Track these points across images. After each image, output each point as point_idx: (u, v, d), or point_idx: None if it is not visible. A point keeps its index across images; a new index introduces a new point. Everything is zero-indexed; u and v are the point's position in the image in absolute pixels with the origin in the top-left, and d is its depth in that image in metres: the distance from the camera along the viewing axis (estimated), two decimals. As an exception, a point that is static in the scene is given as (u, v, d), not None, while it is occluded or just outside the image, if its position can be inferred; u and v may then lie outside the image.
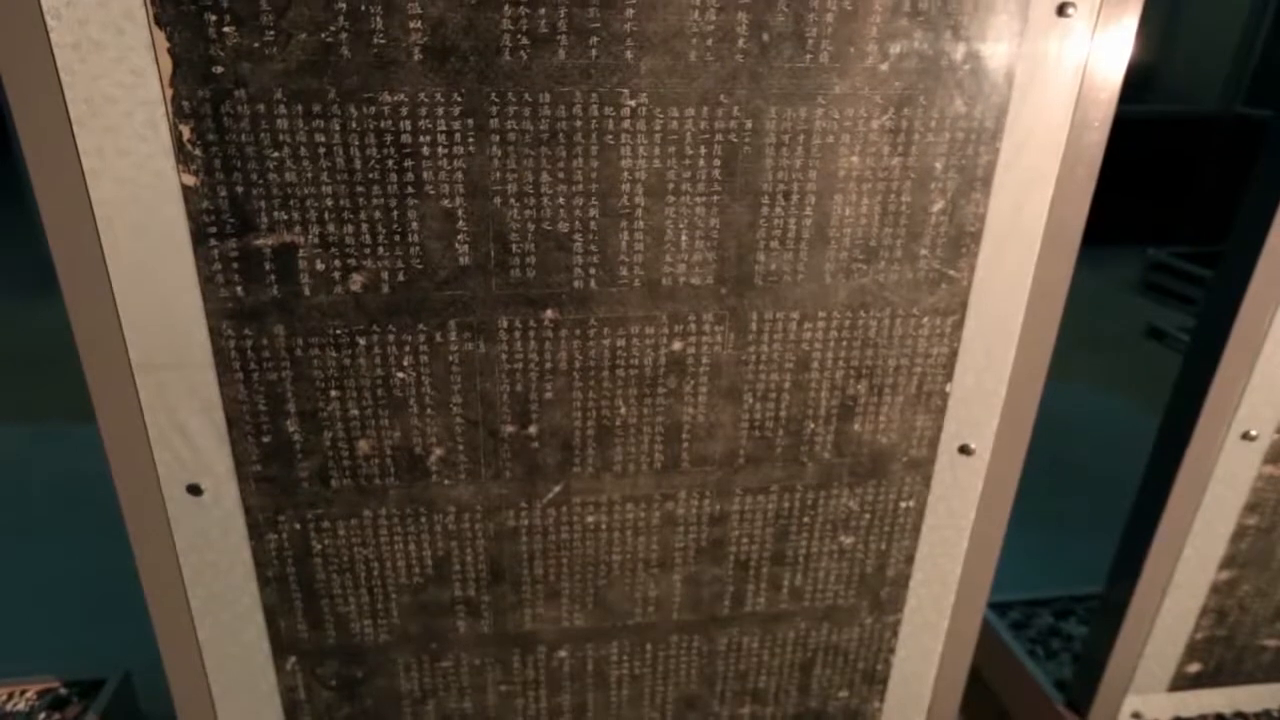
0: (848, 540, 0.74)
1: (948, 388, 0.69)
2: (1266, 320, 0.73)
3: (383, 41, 0.52)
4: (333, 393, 0.61)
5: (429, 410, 0.63)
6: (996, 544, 0.78)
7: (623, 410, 0.65)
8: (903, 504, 0.74)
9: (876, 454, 0.71)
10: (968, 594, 0.79)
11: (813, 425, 0.68)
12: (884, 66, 0.57)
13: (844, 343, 0.65)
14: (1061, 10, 0.57)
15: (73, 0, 0.48)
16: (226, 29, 0.50)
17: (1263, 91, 3.76)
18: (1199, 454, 0.79)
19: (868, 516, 0.74)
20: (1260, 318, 0.73)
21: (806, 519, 0.73)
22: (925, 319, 0.66)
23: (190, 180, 0.54)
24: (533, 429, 0.65)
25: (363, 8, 0.51)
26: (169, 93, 0.51)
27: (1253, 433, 0.79)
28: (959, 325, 0.67)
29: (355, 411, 0.62)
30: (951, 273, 0.64)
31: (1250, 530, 0.85)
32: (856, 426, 0.69)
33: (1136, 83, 3.96)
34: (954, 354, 0.68)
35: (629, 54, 0.54)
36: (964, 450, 0.72)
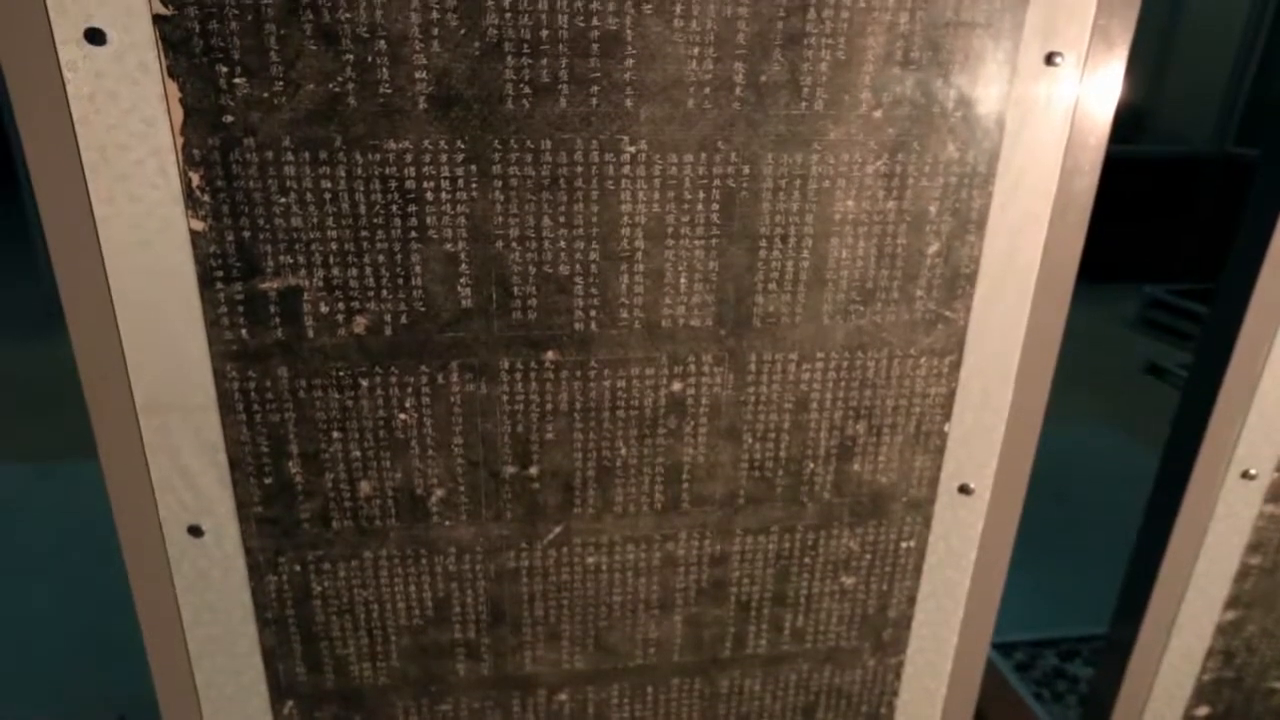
0: (849, 581, 0.74)
1: (946, 427, 0.69)
2: (1261, 359, 0.74)
3: (389, 91, 0.53)
4: (335, 434, 0.61)
5: (430, 451, 0.63)
6: (999, 584, 0.77)
7: (623, 451, 0.65)
8: (903, 544, 0.73)
9: (876, 494, 0.71)
10: (971, 635, 0.79)
11: (812, 465, 0.69)
12: (877, 113, 0.58)
13: (842, 383, 0.66)
14: (1049, 59, 0.59)
15: (90, 53, 0.50)
16: (237, 80, 0.52)
17: (1251, 132, 3.81)
18: (1199, 493, 0.79)
19: (868, 557, 0.73)
20: (1255, 356, 0.74)
21: (807, 559, 0.73)
22: (923, 359, 0.66)
23: (198, 225, 0.55)
24: (533, 470, 0.65)
25: (370, 59, 0.52)
26: (180, 141, 0.53)
27: (1252, 471, 0.79)
28: (956, 365, 0.67)
29: (357, 452, 0.62)
30: (948, 314, 0.65)
31: (1254, 570, 0.85)
32: (856, 466, 0.69)
33: (1129, 124, 4.03)
34: (952, 394, 0.68)
35: (629, 102, 0.56)
36: (964, 490, 0.72)
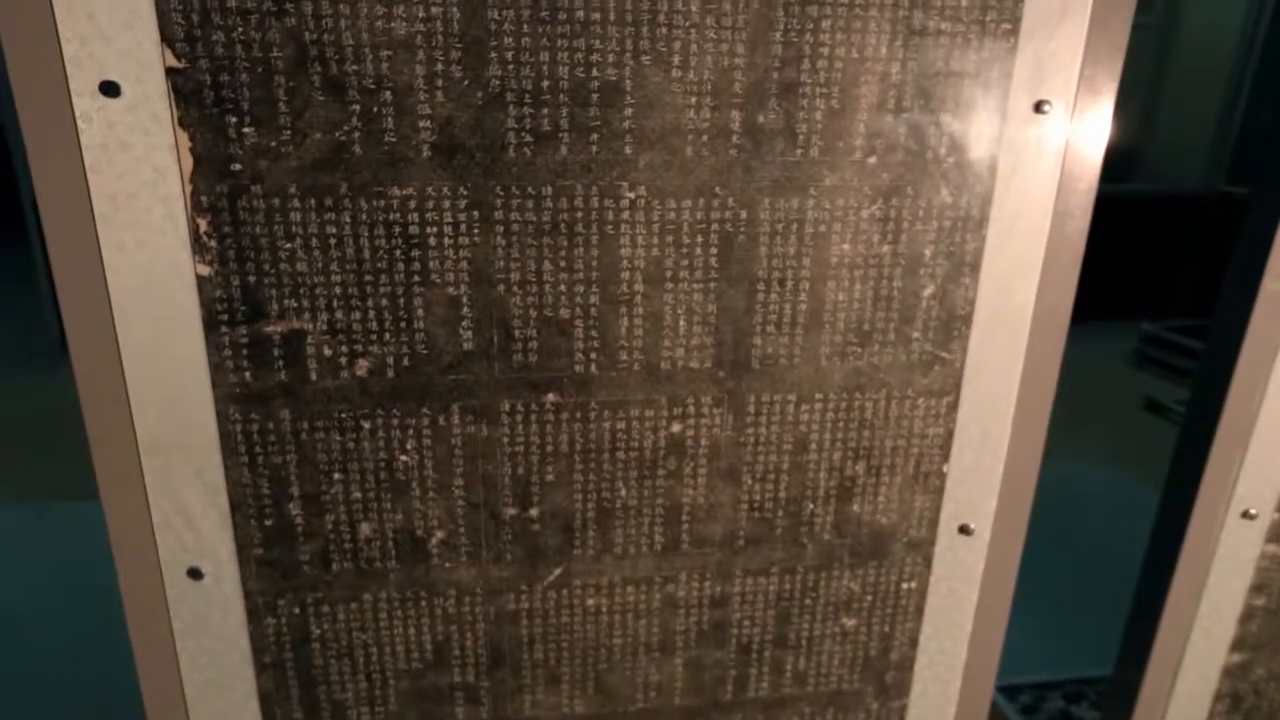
0: (850, 623, 0.74)
1: (945, 468, 0.70)
2: (1257, 399, 0.74)
3: (393, 140, 0.55)
4: (336, 476, 0.62)
5: (431, 493, 0.63)
6: (1002, 625, 0.77)
7: (623, 492, 0.65)
8: (904, 585, 0.73)
9: (876, 535, 0.71)
10: (974, 677, 0.78)
11: (812, 506, 0.69)
12: (872, 160, 0.60)
13: (841, 424, 0.66)
14: (1038, 107, 0.60)
15: (104, 105, 0.51)
16: (246, 129, 0.53)
17: (1243, 170, 3.87)
18: (1200, 533, 0.79)
19: (869, 598, 0.73)
20: (1250, 396, 0.74)
21: (808, 601, 0.72)
22: (920, 400, 0.67)
23: (205, 270, 0.56)
24: (534, 511, 0.65)
25: (375, 109, 0.54)
26: (189, 188, 0.54)
27: (1252, 511, 0.79)
28: (954, 406, 0.68)
29: (358, 494, 0.62)
30: (944, 355, 0.66)
31: (1258, 611, 0.84)
32: (855, 507, 0.70)
33: (1122, 163, 4.08)
34: (950, 434, 0.68)
35: (628, 149, 0.57)
36: (964, 530, 0.72)
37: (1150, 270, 3.94)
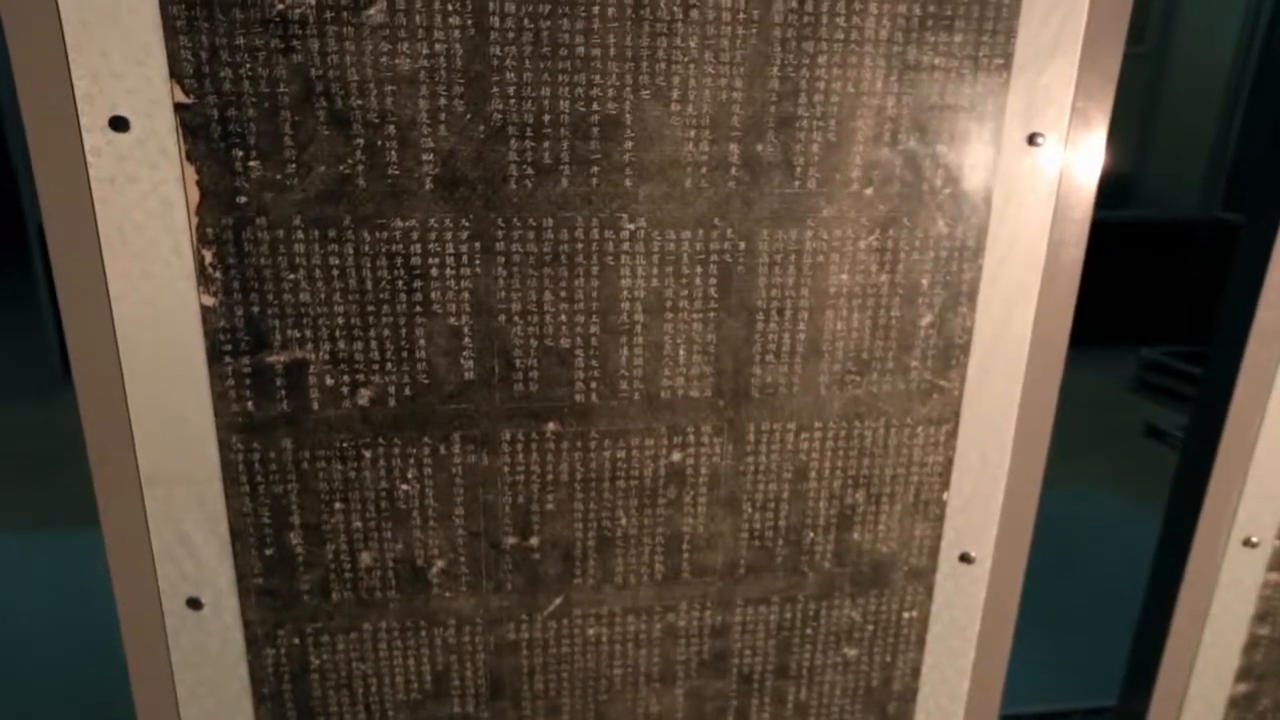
0: (852, 652, 0.73)
1: (945, 496, 0.70)
2: (1255, 426, 0.74)
3: (396, 173, 0.55)
4: (337, 505, 0.62)
5: (432, 522, 0.63)
6: (1004, 655, 0.76)
7: (623, 521, 0.66)
8: (905, 614, 0.73)
9: (877, 563, 0.71)
10: (977, 708, 0.77)
11: (812, 535, 0.69)
12: (868, 191, 0.60)
13: (840, 453, 0.67)
14: (1032, 140, 0.61)
15: (113, 139, 0.52)
16: (252, 163, 0.54)
17: (1237, 197, 3.90)
18: (1201, 562, 0.79)
19: (871, 627, 0.73)
20: (1248, 423, 0.74)
21: (809, 630, 0.72)
22: (919, 428, 0.67)
23: (209, 301, 0.56)
24: (534, 540, 0.65)
25: (379, 142, 0.55)
26: (195, 221, 0.55)
27: (1254, 539, 0.79)
28: (953, 434, 0.68)
29: (358, 524, 0.62)
30: (943, 383, 0.66)
31: (1263, 641, 0.84)
32: (856, 536, 0.70)
33: (1119, 190, 4.11)
34: (949, 462, 0.69)
35: (628, 182, 0.58)
36: (965, 559, 0.72)
37: (1150, 295, 3.96)
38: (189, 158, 0.53)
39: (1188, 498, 0.78)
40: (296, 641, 0.65)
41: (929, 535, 0.71)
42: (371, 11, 0.52)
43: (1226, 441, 0.74)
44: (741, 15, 0.56)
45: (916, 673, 0.75)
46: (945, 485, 0.69)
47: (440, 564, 0.65)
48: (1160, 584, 0.82)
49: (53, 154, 0.52)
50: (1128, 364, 3.37)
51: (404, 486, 0.62)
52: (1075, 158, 0.63)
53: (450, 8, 0.53)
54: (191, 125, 0.53)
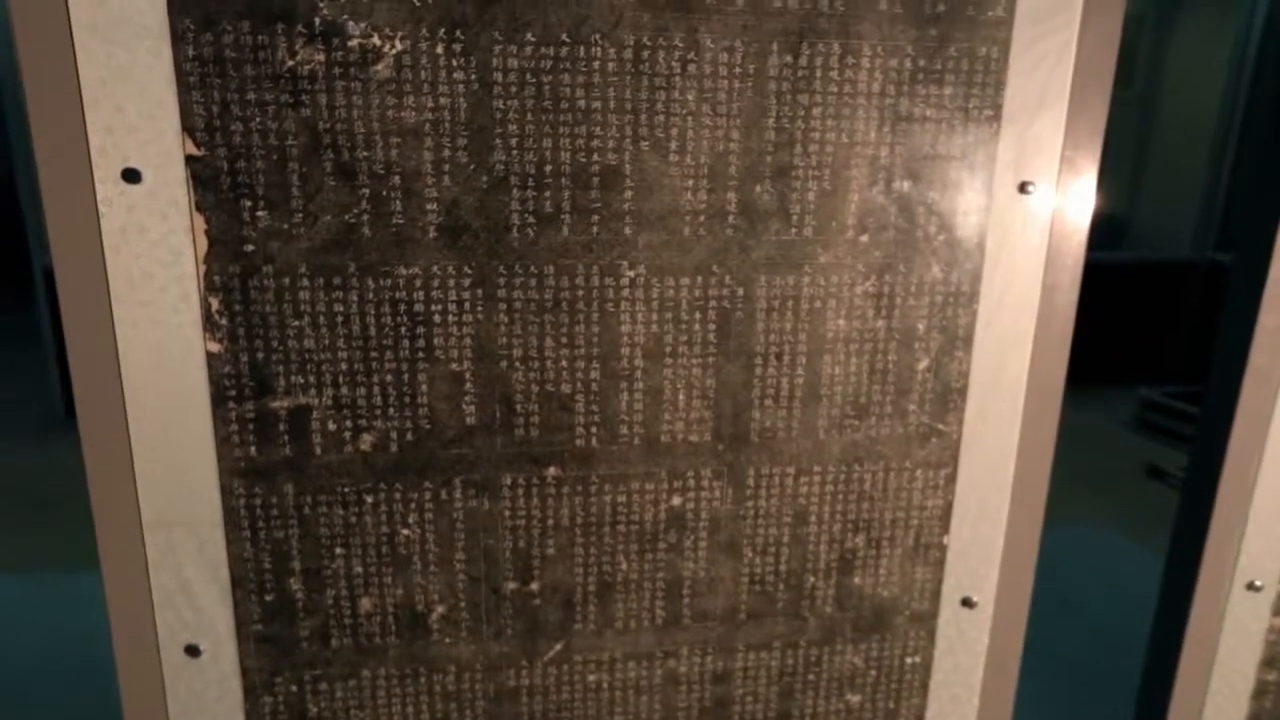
0: (854, 699, 0.73)
1: (945, 540, 0.70)
2: (1253, 469, 0.75)
3: (401, 221, 0.57)
4: (338, 550, 0.62)
5: (432, 567, 0.63)
6: (1009, 699, 0.76)
7: (624, 566, 0.65)
8: (908, 660, 0.72)
9: (878, 608, 0.70)
10: (982, 756, 0.76)
11: (813, 579, 0.69)
12: (864, 238, 0.62)
13: (840, 496, 0.67)
14: (1022, 188, 0.62)
15: (125, 191, 0.53)
16: (260, 212, 0.55)
17: (1230, 238, 3.93)
18: (1205, 607, 0.78)
19: (873, 673, 0.72)
20: (1246, 466, 0.75)
21: (811, 676, 0.71)
22: (918, 472, 0.67)
23: (215, 347, 0.57)
24: (534, 585, 0.65)
25: (384, 192, 0.56)
26: (202, 269, 0.56)
27: (1257, 583, 0.79)
28: (952, 478, 0.68)
29: (359, 569, 0.62)
30: (941, 427, 0.67)
31: (1271, 687, 0.83)
32: (857, 580, 0.69)
33: (1115, 231, 4.15)
34: (949, 506, 0.69)
35: (628, 230, 0.59)
36: (966, 603, 0.72)
37: (1147, 335, 3.98)
38: (198, 208, 0.55)
39: (1189, 542, 0.78)
40: (295, 689, 0.64)
41: (930, 579, 0.70)
42: (379, 67, 0.54)
43: (1225, 485, 0.75)
44: (738, 69, 0.57)
45: (920, 719, 0.74)
46: (945, 529, 0.69)
47: (440, 609, 0.64)
48: (1165, 630, 0.81)
49: (66, 204, 0.54)
50: (1128, 404, 3.37)
51: (405, 531, 0.62)
52: (1066, 205, 0.64)
53: (455, 63, 0.55)
54: (201, 177, 0.54)
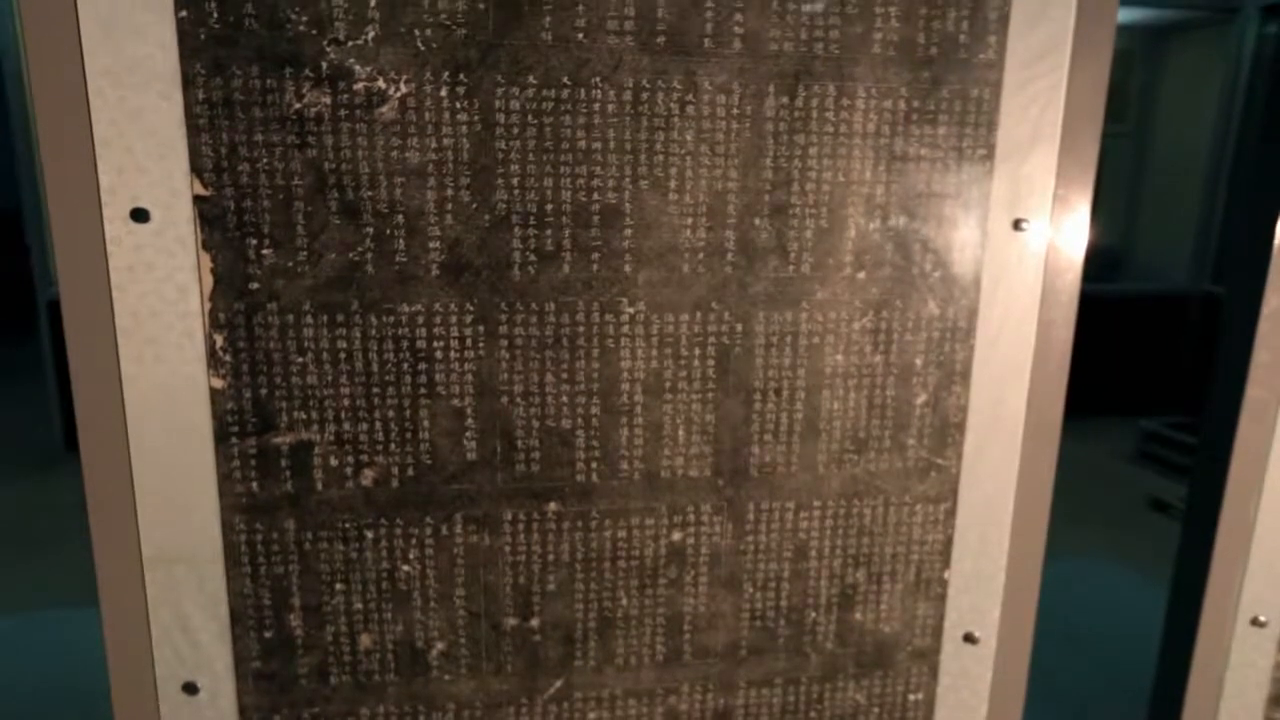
0: (857, 737, 0.72)
1: (946, 574, 0.69)
2: (1253, 504, 0.75)
3: (404, 260, 0.57)
4: (338, 586, 0.62)
5: (432, 603, 0.63)
6: (1013, 739, 0.75)
7: (624, 601, 0.65)
8: (911, 696, 0.72)
9: (880, 644, 0.70)
10: (988, 796, 0.75)
11: (814, 614, 0.68)
12: (861, 275, 0.62)
13: (840, 531, 0.67)
14: (1016, 225, 0.63)
15: (133, 230, 0.54)
16: (265, 251, 0.56)
17: (1224, 271, 3.96)
18: (1210, 643, 0.78)
19: (876, 710, 0.72)
20: (1246, 500, 0.75)
21: (813, 713, 0.71)
22: (918, 506, 0.68)
23: (218, 384, 0.58)
24: (535, 621, 0.65)
25: (388, 231, 0.57)
26: (207, 306, 0.56)
27: (1262, 618, 0.78)
28: (951, 512, 0.68)
29: (359, 605, 0.62)
30: (940, 461, 0.67)
31: (1279, 723, 0.82)
32: (858, 615, 0.69)
33: (1112, 264, 4.18)
34: (949, 540, 0.69)
35: (628, 267, 0.60)
36: (969, 639, 0.71)
37: (1149, 367, 3.98)
38: (204, 246, 0.55)
39: (1191, 578, 0.77)
40: (292, 727, 0.64)
41: (932, 615, 0.70)
42: (384, 109, 0.55)
43: (1225, 520, 0.75)
44: (735, 110, 0.59)
45: (924, 758, 0.73)
46: (946, 564, 0.69)
47: (440, 646, 0.64)
48: (1170, 668, 0.80)
49: (76, 242, 0.54)
50: (1129, 435, 3.37)
51: (405, 567, 0.62)
52: (1060, 241, 0.65)
53: (459, 105, 0.56)
54: (208, 216, 0.55)
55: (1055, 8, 0.61)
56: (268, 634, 0.62)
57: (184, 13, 0.52)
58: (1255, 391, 0.71)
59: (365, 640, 0.63)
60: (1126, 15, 3.82)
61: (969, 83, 0.60)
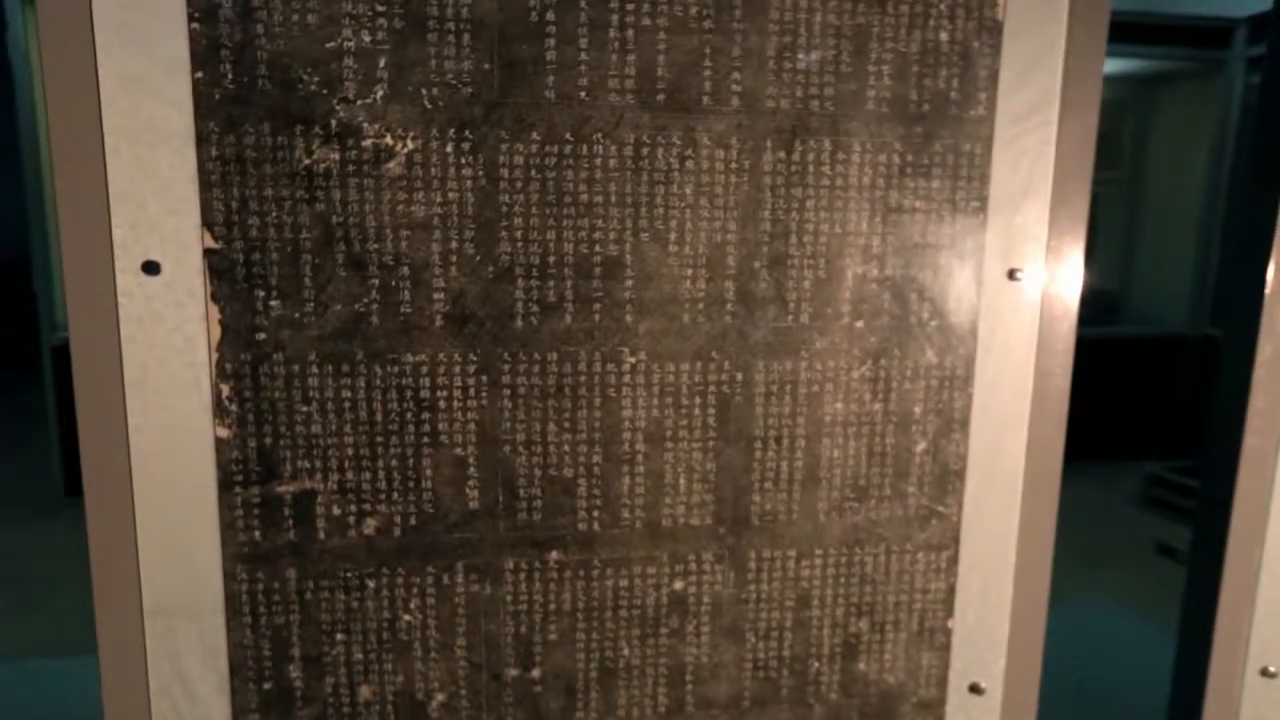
0: (863, 791, 0.71)
1: (950, 623, 0.69)
2: (1257, 553, 0.74)
3: (409, 311, 0.58)
4: (338, 637, 0.61)
5: (433, 653, 0.63)
6: (1022, 793, 0.73)
7: (626, 651, 0.65)
8: (917, 749, 0.71)
9: (884, 694, 0.69)
10: None
11: (817, 665, 0.68)
12: (859, 324, 0.63)
13: (842, 579, 0.67)
14: (1011, 275, 0.64)
15: (144, 282, 0.55)
16: (272, 302, 0.57)
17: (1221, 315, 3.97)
18: (1219, 694, 0.77)
19: (881, 764, 0.70)
20: (1249, 550, 0.74)
21: (818, 767, 0.70)
22: (920, 554, 0.67)
23: (224, 433, 0.58)
24: (536, 672, 0.64)
25: (393, 283, 0.58)
26: (214, 356, 0.57)
27: (1271, 669, 0.77)
28: (953, 560, 0.68)
29: (359, 655, 0.62)
30: (941, 509, 0.67)
31: (1295, 780, 0.80)
32: (862, 665, 0.68)
33: (1108, 307, 4.20)
34: (952, 589, 0.68)
35: (629, 318, 0.61)
36: (974, 689, 0.71)
37: (1154, 410, 3.98)
38: (213, 298, 0.56)
39: (1198, 628, 0.77)
40: (289, 782, 0.63)
41: (936, 665, 0.70)
42: (391, 165, 0.57)
43: (1229, 570, 0.74)
44: (734, 164, 0.60)
45: (931, 813, 0.72)
46: (949, 612, 0.69)
47: (441, 697, 0.63)
48: (1181, 717, 0.79)
49: (87, 295, 0.56)
50: (1135, 479, 3.35)
51: (406, 617, 0.62)
52: (1054, 289, 0.66)
53: (464, 160, 0.57)
54: (218, 268, 0.56)
55: (1042, 67, 0.63)
56: (266, 685, 0.61)
57: (200, 74, 0.54)
58: (1253, 440, 0.72)
59: (365, 691, 0.63)
60: (1119, 65, 3.91)
61: (961, 137, 0.62)
